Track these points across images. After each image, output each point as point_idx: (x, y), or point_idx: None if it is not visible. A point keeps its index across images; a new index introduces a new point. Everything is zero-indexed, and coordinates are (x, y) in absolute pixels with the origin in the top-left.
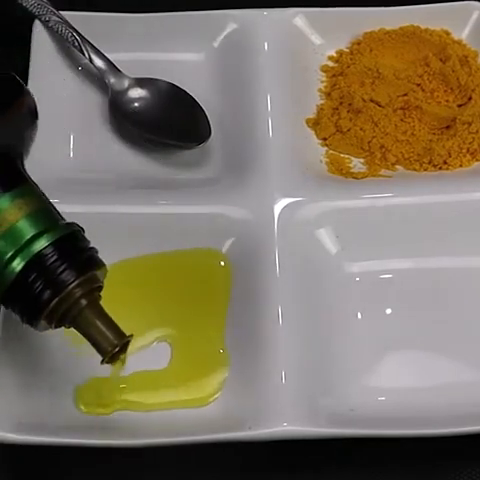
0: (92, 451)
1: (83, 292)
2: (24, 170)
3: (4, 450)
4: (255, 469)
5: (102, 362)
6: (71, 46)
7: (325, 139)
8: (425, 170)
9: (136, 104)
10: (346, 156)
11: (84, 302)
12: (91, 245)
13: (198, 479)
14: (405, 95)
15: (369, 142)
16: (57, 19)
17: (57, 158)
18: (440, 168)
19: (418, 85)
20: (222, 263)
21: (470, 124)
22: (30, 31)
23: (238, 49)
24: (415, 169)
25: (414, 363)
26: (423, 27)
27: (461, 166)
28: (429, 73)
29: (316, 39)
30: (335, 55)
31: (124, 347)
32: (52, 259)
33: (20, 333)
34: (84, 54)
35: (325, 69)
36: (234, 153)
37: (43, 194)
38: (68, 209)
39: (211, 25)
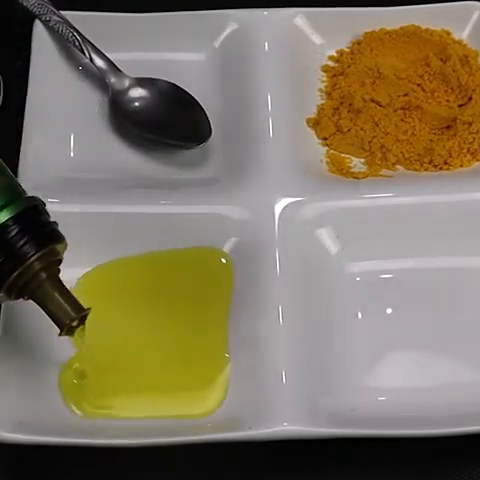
0: (92, 451)
1: (43, 265)
2: None
3: (4, 450)
4: (255, 469)
5: (60, 334)
6: (72, 46)
7: (325, 139)
8: (425, 170)
9: (136, 104)
10: (346, 156)
11: (44, 275)
12: (52, 219)
13: (198, 479)
14: (406, 95)
15: (369, 142)
16: (58, 19)
17: (57, 158)
18: (440, 168)
19: (418, 85)
20: (223, 260)
21: (470, 124)
22: (30, 31)
23: (238, 49)
24: (415, 169)
25: (414, 363)
26: (423, 27)
27: (461, 166)
28: (429, 73)
29: (316, 39)
30: (335, 55)
31: (82, 320)
32: (13, 232)
33: (20, 333)
34: (85, 54)
35: (325, 69)
36: (234, 153)
37: (6, 169)
38: (68, 209)
39: (211, 25)
